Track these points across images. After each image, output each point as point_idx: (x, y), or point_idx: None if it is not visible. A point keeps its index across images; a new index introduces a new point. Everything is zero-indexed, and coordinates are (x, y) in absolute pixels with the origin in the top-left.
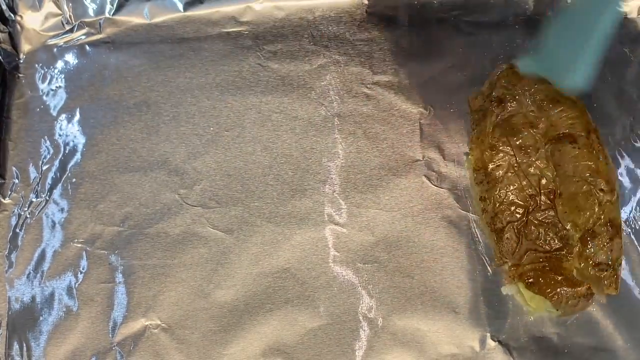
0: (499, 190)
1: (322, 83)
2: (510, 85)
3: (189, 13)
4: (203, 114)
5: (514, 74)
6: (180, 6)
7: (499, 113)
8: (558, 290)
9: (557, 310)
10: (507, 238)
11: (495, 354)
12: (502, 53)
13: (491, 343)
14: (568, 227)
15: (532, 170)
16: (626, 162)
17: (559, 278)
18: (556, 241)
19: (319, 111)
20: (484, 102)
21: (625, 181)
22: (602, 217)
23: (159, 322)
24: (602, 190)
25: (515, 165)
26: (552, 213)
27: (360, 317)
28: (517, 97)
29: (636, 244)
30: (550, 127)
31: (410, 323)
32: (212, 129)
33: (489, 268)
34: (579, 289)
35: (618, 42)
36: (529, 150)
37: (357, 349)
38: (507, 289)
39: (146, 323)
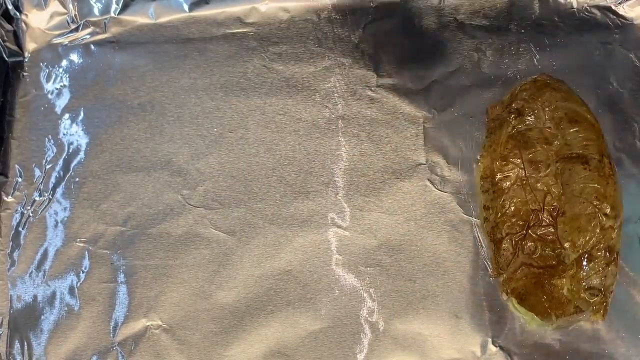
0: (503, 201)
1: (327, 85)
2: (531, 98)
3: (195, 13)
4: (207, 115)
5: (537, 87)
6: (186, 6)
7: (515, 125)
8: (547, 308)
9: (550, 325)
10: (504, 249)
11: (496, 359)
12: (507, 57)
13: (492, 348)
14: (566, 245)
15: (539, 186)
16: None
17: (548, 297)
18: (551, 259)
19: (323, 113)
20: (503, 111)
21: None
22: (602, 241)
23: (160, 323)
24: (606, 215)
25: (524, 178)
26: (552, 230)
27: (362, 321)
28: (536, 111)
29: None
30: (564, 146)
31: (412, 327)
32: (215, 130)
33: (491, 273)
34: (568, 308)
35: (624, 48)
36: (539, 166)
37: (358, 353)
38: (504, 295)
39: (147, 323)
